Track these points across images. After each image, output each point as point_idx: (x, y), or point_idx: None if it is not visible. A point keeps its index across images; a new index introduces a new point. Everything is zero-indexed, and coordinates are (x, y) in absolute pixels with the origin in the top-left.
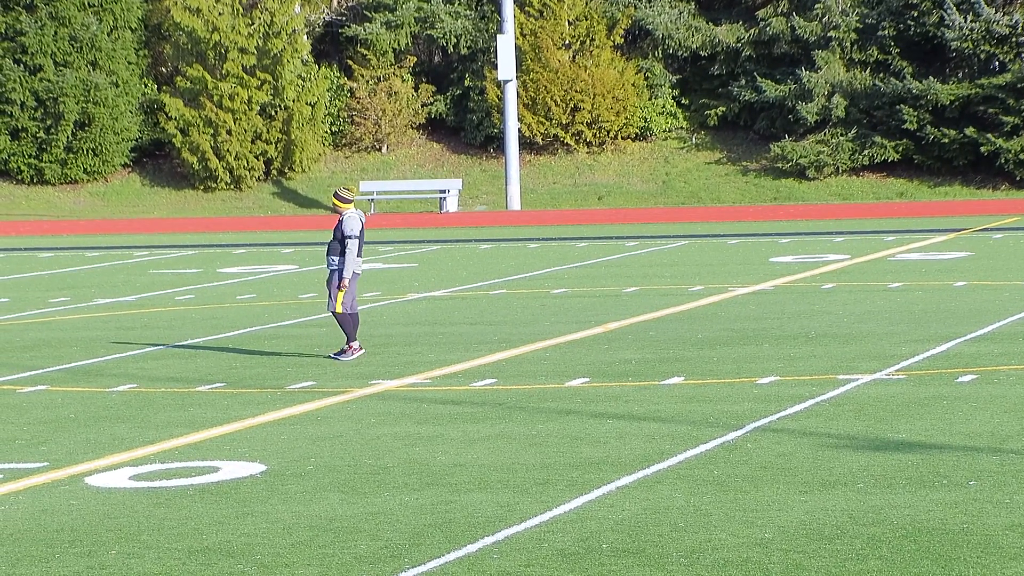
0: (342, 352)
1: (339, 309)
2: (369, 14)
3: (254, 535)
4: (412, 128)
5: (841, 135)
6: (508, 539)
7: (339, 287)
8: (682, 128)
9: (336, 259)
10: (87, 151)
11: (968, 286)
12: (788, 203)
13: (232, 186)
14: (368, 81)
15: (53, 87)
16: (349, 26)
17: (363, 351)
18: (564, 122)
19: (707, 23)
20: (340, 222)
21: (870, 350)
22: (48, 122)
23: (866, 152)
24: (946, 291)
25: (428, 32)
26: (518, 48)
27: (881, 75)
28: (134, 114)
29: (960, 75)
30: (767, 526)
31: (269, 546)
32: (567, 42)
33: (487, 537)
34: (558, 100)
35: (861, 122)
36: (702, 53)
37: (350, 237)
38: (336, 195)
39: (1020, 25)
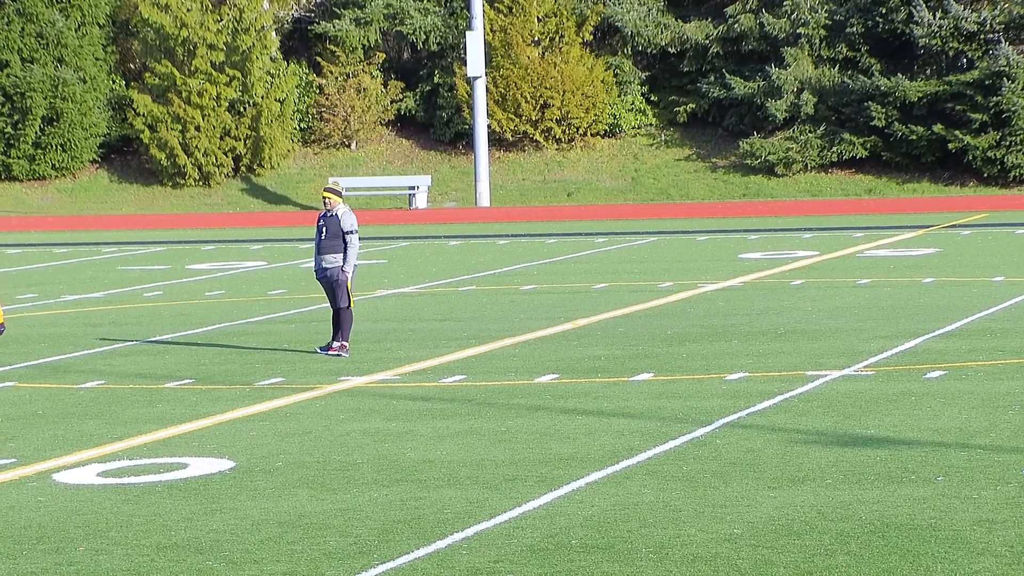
0: (331, 347)
1: (352, 304)
2: (338, 11)
3: (222, 531)
4: (381, 124)
5: (810, 132)
6: (477, 535)
7: (348, 282)
8: (651, 125)
9: (333, 256)
10: (55, 147)
11: (936, 282)
12: (757, 200)
13: (201, 182)
14: (337, 77)
15: (20, 83)
16: (318, 23)
17: (347, 355)
18: (534, 119)
19: (676, 20)
20: (336, 217)
21: (839, 346)
22: (15, 118)
23: (835, 149)
24: (914, 288)
25: (397, 28)
26: (487, 44)
27: (850, 72)
28: (102, 110)
29: (928, 72)
30: (736, 522)
31: (238, 542)
32: (536, 39)
33: (456, 533)
34: (528, 97)
35: (830, 119)
36: (671, 50)
37: (352, 232)
38: (331, 190)
39: (988, 22)
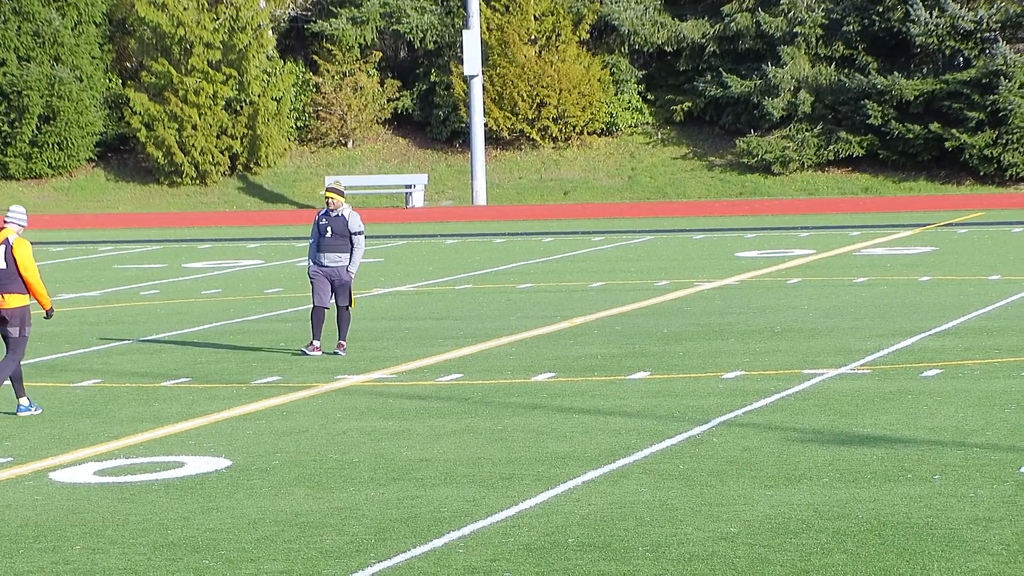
0: (312, 346)
1: (352, 304)
2: (335, 9)
3: (219, 530)
4: (378, 123)
5: (806, 130)
6: (474, 534)
7: (351, 283)
8: (648, 123)
9: (337, 255)
10: (51, 146)
11: (932, 281)
12: (753, 198)
13: (197, 181)
14: (334, 76)
15: (17, 81)
16: (315, 21)
17: (344, 354)
18: (530, 117)
19: (672, 19)
20: (343, 218)
21: (835, 345)
22: (12, 116)
23: (831, 147)
24: (911, 286)
25: (394, 27)
26: (484, 43)
27: (846, 70)
28: (99, 109)
29: (925, 70)
30: (733, 520)
31: (234, 541)
32: (533, 37)
33: (453, 532)
34: (524, 95)
35: (826, 117)
36: (667, 49)
37: (360, 233)
38: (335, 190)
39: (985, 21)
